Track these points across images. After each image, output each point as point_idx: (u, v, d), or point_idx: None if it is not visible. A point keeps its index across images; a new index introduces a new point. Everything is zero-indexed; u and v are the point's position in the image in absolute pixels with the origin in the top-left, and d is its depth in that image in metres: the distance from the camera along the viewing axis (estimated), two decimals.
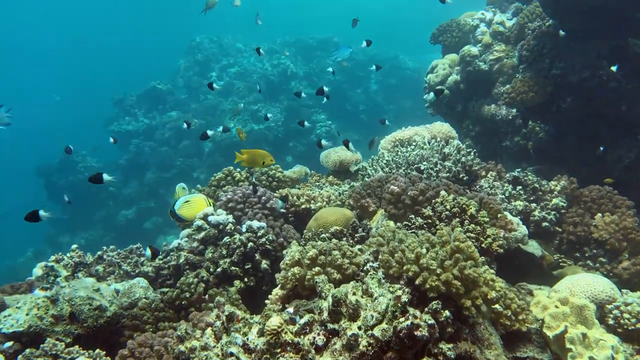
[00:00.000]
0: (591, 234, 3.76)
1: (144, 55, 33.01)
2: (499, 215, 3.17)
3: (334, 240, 2.41)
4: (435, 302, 1.97)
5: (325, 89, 5.35)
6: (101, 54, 35.51)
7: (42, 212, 3.44)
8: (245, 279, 3.38)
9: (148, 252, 3.37)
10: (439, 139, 4.25)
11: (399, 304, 1.83)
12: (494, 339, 2.41)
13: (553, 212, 3.88)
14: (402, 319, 1.80)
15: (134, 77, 22.78)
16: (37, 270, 3.89)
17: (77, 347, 2.74)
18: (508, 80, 5.85)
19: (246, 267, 3.39)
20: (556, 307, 2.58)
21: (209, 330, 2.10)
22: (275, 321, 1.84)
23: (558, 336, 2.47)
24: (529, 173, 4.12)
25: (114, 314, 3.00)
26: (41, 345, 2.66)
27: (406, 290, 2.27)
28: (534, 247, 3.55)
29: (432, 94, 6.46)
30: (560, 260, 3.88)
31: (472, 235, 2.81)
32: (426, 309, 1.95)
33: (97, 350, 2.73)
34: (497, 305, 2.46)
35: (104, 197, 14.67)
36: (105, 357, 2.75)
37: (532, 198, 4.01)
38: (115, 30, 35.65)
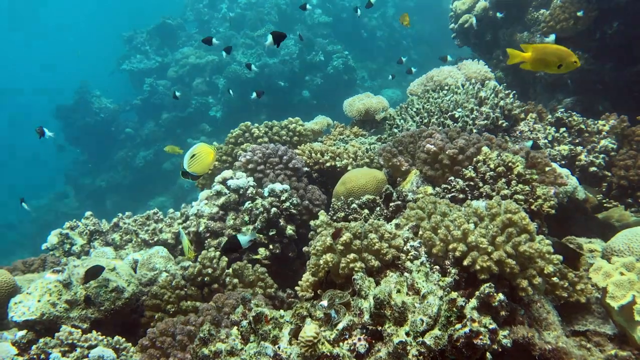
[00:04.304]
0: None
1: None
2: (546, 169, 2.84)
3: (370, 220, 2.13)
4: (487, 285, 1.71)
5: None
6: None
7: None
8: (270, 246, 3.16)
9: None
10: (473, 80, 3.85)
11: (454, 308, 1.56)
12: (552, 317, 2.17)
13: (602, 155, 3.53)
14: (458, 326, 1.54)
15: (141, 13, 22.03)
16: (52, 238, 3.72)
17: (95, 333, 2.56)
18: (542, 4, 5.34)
19: (270, 233, 3.16)
20: (621, 274, 2.29)
21: (234, 331, 1.88)
22: (310, 331, 1.60)
23: (624, 307, 2.19)
24: (574, 113, 3.73)
25: (132, 294, 2.80)
26: (56, 334, 2.48)
27: (454, 271, 2.02)
28: (578, 192, 3.24)
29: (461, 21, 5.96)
30: (604, 202, 3.57)
31: (521, 197, 2.51)
32: (477, 293, 1.70)
33: (117, 337, 2.55)
34: (553, 278, 2.18)
35: (122, 139, 14.48)
36: (126, 343, 2.59)
37: (577, 140, 3.65)
38: None
